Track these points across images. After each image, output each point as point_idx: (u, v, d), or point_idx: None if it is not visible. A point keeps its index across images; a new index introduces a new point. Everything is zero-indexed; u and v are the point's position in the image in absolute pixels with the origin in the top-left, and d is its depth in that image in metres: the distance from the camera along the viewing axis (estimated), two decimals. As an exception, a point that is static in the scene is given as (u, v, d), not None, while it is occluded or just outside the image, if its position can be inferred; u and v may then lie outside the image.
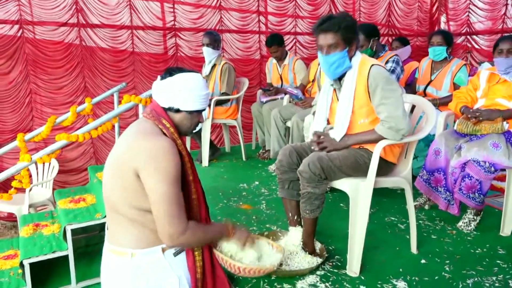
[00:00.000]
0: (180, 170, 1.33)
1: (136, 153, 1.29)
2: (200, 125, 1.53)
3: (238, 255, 1.53)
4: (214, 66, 4.10)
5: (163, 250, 1.38)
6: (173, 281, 1.38)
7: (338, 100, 2.17)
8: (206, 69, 4.16)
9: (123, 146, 1.36)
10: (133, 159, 1.29)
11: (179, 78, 1.41)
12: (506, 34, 2.94)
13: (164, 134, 1.39)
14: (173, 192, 1.29)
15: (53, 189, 3.96)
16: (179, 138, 1.44)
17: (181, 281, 1.39)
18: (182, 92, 1.40)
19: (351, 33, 2.04)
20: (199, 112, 1.48)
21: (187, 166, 1.43)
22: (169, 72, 1.42)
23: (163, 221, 1.28)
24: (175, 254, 1.40)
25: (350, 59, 2.08)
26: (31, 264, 2.33)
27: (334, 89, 2.20)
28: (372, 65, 2.05)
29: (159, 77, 1.45)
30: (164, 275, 1.37)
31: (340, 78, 2.15)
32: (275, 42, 4.14)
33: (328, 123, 2.26)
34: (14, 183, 2.92)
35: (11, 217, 4.49)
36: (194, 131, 1.53)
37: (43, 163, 3.88)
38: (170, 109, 1.43)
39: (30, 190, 3.74)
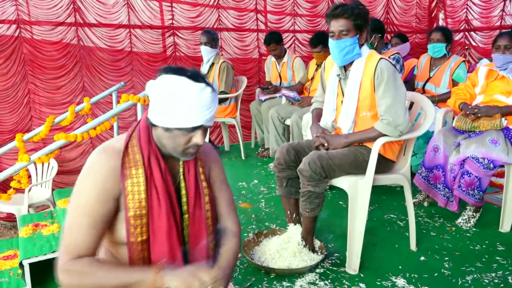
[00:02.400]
0: (106, 197, 1.07)
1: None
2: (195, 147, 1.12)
3: None
4: (212, 65, 4.10)
5: None
6: None
7: (343, 94, 2.18)
8: (204, 68, 4.16)
9: None
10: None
11: (159, 82, 1.08)
12: (504, 30, 2.94)
13: (122, 150, 1.12)
14: (77, 216, 1.07)
15: (52, 189, 3.95)
16: (143, 165, 1.10)
17: None
18: (157, 101, 1.07)
19: (363, 20, 2.06)
20: (186, 130, 1.08)
21: (130, 197, 1.09)
22: (160, 71, 1.11)
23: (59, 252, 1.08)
24: None
25: (360, 47, 2.09)
26: (31, 264, 2.32)
27: (339, 83, 2.21)
28: (381, 58, 2.08)
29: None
30: None
31: (346, 69, 2.16)
32: (274, 40, 4.14)
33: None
34: (13, 184, 2.92)
35: (10, 218, 4.48)
36: (185, 155, 1.14)
37: (42, 163, 3.88)
38: (148, 120, 1.13)
39: (29, 190, 3.73)
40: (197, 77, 1.09)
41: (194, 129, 1.09)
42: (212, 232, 1.24)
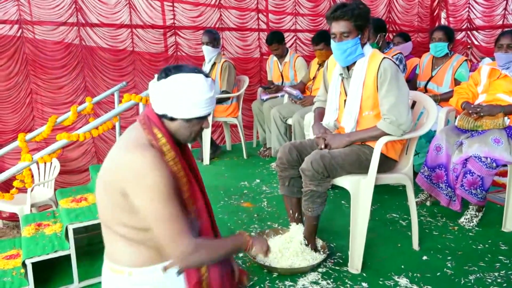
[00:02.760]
0: (173, 184, 1.18)
1: (120, 171, 1.16)
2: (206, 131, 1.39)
3: None
4: (214, 64, 4.10)
5: (165, 268, 1.24)
6: None
7: (346, 93, 2.18)
8: (206, 68, 4.16)
9: (110, 160, 1.23)
10: (118, 178, 1.16)
11: (174, 81, 1.20)
12: (507, 29, 2.93)
13: (153, 145, 1.21)
14: (169, 210, 1.15)
15: (55, 189, 3.96)
16: (172, 149, 1.24)
17: None
18: (177, 97, 1.20)
19: (364, 20, 2.05)
20: (201, 118, 1.27)
21: (181, 182, 1.25)
22: (165, 72, 1.22)
23: (167, 242, 1.16)
24: (178, 273, 1.25)
25: (362, 46, 2.09)
26: (34, 264, 2.33)
27: (342, 82, 2.20)
28: (384, 57, 2.07)
29: (155, 76, 1.28)
30: None
31: (349, 68, 2.16)
32: (276, 39, 4.14)
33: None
34: (15, 183, 2.92)
35: (13, 217, 4.50)
36: (195, 139, 1.34)
37: (45, 163, 3.88)
38: (164, 116, 1.24)
39: (32, 190, 3.74)
40: (201, 71, 1.26)
41: (206, 116, 1.29)
42: None
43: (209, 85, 1.24)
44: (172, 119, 1.24)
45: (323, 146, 2.15)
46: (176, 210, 1.17)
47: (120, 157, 1.19)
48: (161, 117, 1.25)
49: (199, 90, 1.22)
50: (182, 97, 1.21)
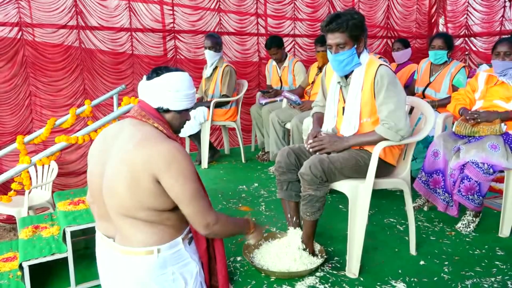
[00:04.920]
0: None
1: (152, 159, 1.29)
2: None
3: None
4: (215, 68, 4.11)
5: (182, 239, 1.44)
6: (192, 268, 1.44)
7: (344, 100, 2.19)
8: (207, 71, 4.17)
9: (123, 151, 1.32)
10: (151, 166, 1.29)
11: (167, 78, 1.40)
12: (504, 37, 2.95)
13: (167, 135, 1.40)
14: (199, 188, 1.36)
15: (53, 191, 3.95)
16: (177, 139, 1.47)
17: (198, 266, 1.47)
18: (170, 92, 1.40)
19: (359, 30, 2.06)
20: (187, 110, 1.49)
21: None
22: (156, 72, 1.41)
23: (198, 216, 1.35)
24: (189, 243, 1.47)
25: (359, 55, 2.10)
26: (31, 267, 2.32)
27: (340, 89, 2.22)
28: (381, 64, 2.08)
29: (144, 77, 1.44)
30: (185, 263, 1.43)
31: (347, 76, 2.17)
32: (275, 44, 4.16)
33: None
34: (13, 185, 2.93)
35: (10, 219, 4.48)
36: (181, 130, 1.55)
37: (43, 165, 3.88)
38: (159, 109, 1.42)
39: (30, 192, 3.74)
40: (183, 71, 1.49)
41: (190, 109, 1.50)
42: None
43: (191, 81, 1.47)
44: (166, 111, 1.43)
45: (310, 141, 2.16)
46: (201, 189, 1.38)
47: (147, 148, 1.31)
48: (157, 110, 1.43)
49: (187, 86, 1.43)
50: (176, 91, 1.41)
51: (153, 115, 1.41)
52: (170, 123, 1.46)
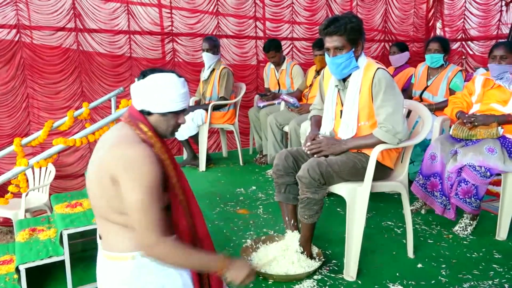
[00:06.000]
0: (159, 179, 1.28)
1: (112, 160, 1.27)
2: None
3: None
4: (213, 70, 4.12)
5: None
6: (175, 279, 1.36)
7: (342, 103, 2.20)
8: (205, 74, 4.18)
9: (101, 153, 1.33)
10: (110, 167, 1.26)
11: (150, 80, 1.36)
12: (500, 41, 2.97)
13: (143, 139, 1.35)
14: (150, 202, 1.25)
15: (50, 194, 3.94)
16: (159, 141, 1.38)
17: (183, 278, 1.38)
18: (154, 94, 1.35)
19: (357, 34, 2.06)
20: (176, 113, 1.41)
21: (169, 169, 1.38)
22: (143, 74, 1.38)
23: (139, 232, 1.26)
24: None
25: (357, 58, 2.11)
26: (27, 269, 2.32)
27: (338, 93, 2.22)
28: (378, 68, 2.09)
29: (136, 79, 1.42)
30: (166, 274, 1.35)
31: (344, 80, 2.18)
32: (273, 47, 4.17)
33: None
34: (10, 188, 2.91)
35: (7, 222, 4.46)
36: (173, 134, 1.47)
37: (40, 168, 3.87)
38: (143, 111, 1.38)
39: (27, 195, 3.72)
40: (177, 73, 1.42)
41: (180, 111, 1.41)
42: None
43: (181, 83, 1.39)
44: (149, 113, 1.38)
45: (308, 144, 2.16)
46: (152, 204, 1.26)
47: (113, 150, 1.29)
48: (141, 112, 1.39)
49: (171, 87, 1.36)
50: (157, 93, 1.35)
51: (136, 118, 1.38)
52: (155, 126, 1.40)
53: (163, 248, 1.26)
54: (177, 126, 1.44)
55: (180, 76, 1.41)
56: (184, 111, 1.43)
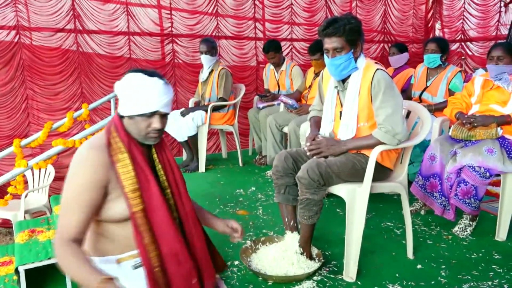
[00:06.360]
0: (94, 185, 1.24)
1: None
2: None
3: None
4: (211, 71, 4.13)
5: (119, 261, 1.32)
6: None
7: (341, 104, 2.20)
8: (203, 75, 4.19)
9: None
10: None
11: (122, 81, 1.32)
12: (499, 41, 2.98)
13: (108, 143, 1.29)
14: (68, 204, 1.24)
15: (49, 195, 3.94)
16: (125, 147, 1.29)
17: None
18: (120, 96, 1.31)
19: (356, 35, 2.07)
20: (147, 116, 1.30)
21: (123, 177, 1.27)
22: (125, 74, 1.36)
23: (56, 230, 1.26)
24: (135, 267, 1.32)
25: (356, 60, 2.11)
26: (27, 271, 2.31)
27: (338, 94, 2.23)
28: (377, 69, 2.09)
29: None
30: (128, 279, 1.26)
31: (344, 81, 2.18)
32: (272, 48, 4.17)
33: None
34: (10, 189, 2.92)
35: (6, 223, 4.45)
36: (150, 139, 1.34)
37: (39, 169, 3.87)
38: (119, 114, 1.34)
39: (26, 196, 3.72)
40: (152, 73, 1.33)
41: (152, 115, 1.31)
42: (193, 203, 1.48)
43: (154, 84, 1.29)
44: (121, 117, 1.34)
45: (307, 144, 2.17)
46: (71, 207, 1.25)
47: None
48: (118, 115, 1.36)
49: (137, 88, 1.28)
50: (123, 95, 1.31)
51: (112, 121, 1.34)
52: (128, 130, 1.33)
53: (57, 252, 1.23)
54: (151, 131, 1.32)
55: (159, 78, 1.32)
56: (157, 114, 1.32)
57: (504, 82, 2.55)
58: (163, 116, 1.35)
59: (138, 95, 1.28)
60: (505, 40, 5.65)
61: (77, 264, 1.19)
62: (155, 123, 1.32)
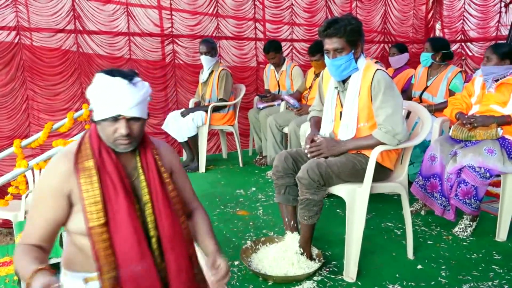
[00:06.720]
0: (53, 193, 1.19)
1: None
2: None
3: None
4: (211, 72, 4.13)
5: (86, 280, 1.23)
6: None
7: (341, 105, 2.20)
8: (204, 76, 4.19)
9: None
10: None
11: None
12: (499, 42, 2.99)
13: (78, 150, 1.23)
14: (31, 210, 1.23)
15: (49, 195, 3.94)
16: (92, 155, 1.21)
17: None
18: (89, 99, 1.22)
19: (356, 35, 2.07)
20: (110, 121, 1.18)
21: (83, 188, 1.18)
22: None
23: None
24: (85, 282, 1.24)
25: (356, 60, 2.11)
26: (27, 271, 2.31)
27: (338, 94, 2.23)
28: (377, 69, 2.09)
29: None
30: None
31: (344, 81, 2.18)
32: (273, 48, 4.17)
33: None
34: (10, 189, 2.91)
35: (7, 224, 4.45)
36: (120, 146, 1.21)
37: (40, 170, 3.86)
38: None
39: (27, 196, 3.72)
40: (115, 72, 1.19)
41: (116, 119, 1.18)
42: (183, 214, 1.33)
43: (112, 84, 1.16)
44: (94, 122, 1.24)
45: (307, 146, 2.17)
46: (32, 214, 1.23)
47: None
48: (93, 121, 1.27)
49: (97, 90, 1.18)
50: (90, 98, 1.22)
51: (91, 126, 1.28)
52: (99, 136, 1.24)
53: (18, 250, 1.19)
54: (118, 137, 1.19)
55: (123, 77, 1.17)
56: (123, 118, 1.18)
57: (490, 86, 2.58)
58: (133, 120, 1.20)
59: (100, 98, 1.17)
60: (505, 41, 5.65)
61: (21, 259, 1.14)
62: (121, 128, 1.18)
